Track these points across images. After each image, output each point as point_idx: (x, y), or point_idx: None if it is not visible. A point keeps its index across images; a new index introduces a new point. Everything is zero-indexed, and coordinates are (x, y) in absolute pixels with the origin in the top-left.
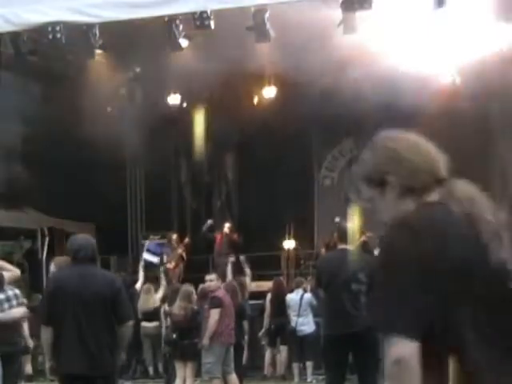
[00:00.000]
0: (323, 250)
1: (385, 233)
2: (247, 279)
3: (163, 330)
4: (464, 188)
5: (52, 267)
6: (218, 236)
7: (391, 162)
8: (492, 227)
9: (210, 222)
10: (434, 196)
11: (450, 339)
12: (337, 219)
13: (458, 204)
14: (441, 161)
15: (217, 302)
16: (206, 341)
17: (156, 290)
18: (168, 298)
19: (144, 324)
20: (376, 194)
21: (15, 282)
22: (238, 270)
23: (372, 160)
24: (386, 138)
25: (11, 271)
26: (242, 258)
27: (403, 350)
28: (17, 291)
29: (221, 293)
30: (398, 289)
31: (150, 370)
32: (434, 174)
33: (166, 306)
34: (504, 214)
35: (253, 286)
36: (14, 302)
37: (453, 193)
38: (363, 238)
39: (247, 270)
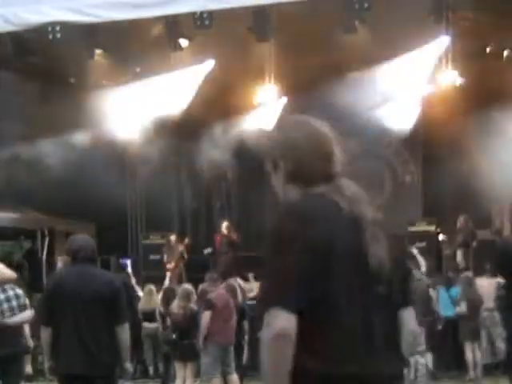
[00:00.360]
0: None
1: (274, 216)
2: (251, 294)
3: (160, 331)
4: (350, 186)
5: (59, 264)
6: (218, 236)
7: (285, 147)
8: (372, 226)
9: (210, 250)
10: (321, 189)
11: (324, 313)
12: None
13: (343, 199)
14: (336, 157)
15: (208, 304)
16: (200, 342)
17: (158, 291)
18: (162, 299)
19: (145, 324)
20: (272, 173)
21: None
22: (240, 270)
23: (272, 141)
24: (294, 123)
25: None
26: (250, 275)
27: (285, 323)
28: (18, 291)
29: (215, 294)
30: (283, 267)
31: (150, 369)
32: (325, 168)
33: (160, 307)
34: (381, 213)
35: (254, 286)
36: (14, 303)
37: (340, 189)
38: None
39: (254, 286)
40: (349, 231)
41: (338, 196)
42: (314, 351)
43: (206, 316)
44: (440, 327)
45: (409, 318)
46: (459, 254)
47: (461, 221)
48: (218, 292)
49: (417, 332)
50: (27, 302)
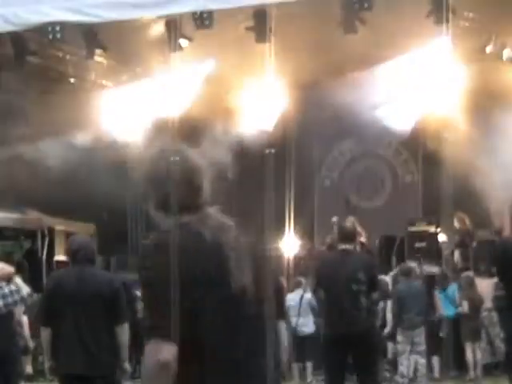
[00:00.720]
0: (323, 250)
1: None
2: None
3: None
4: (216, 216)
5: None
6: None
7: (154, 178)
8: (235, 252)
9: None
10: (188, 218)
11: (197, 340)
12: (334, 219)
13: (206, 228)
14: (204, 187)
15: None
16: None
17: None
18: None
19: None
20: (147, 201)
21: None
22: None
23: (144, 171)
24: (164, 153)
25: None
26: None
27: (167, 354)
28: (13, 287)
29: None
30: (156, 300)
31: None
32: (191, 198)
33: None
34: (245, 239)
35: None
36: (10, 300)
37: (205, 219)
38: (361, 239)
39: None
40: (209, 259)
41: (202, 225)
42: (191, 373)
43: None
44: (442, 328)
45: (281, 330)
46: (456, 254)
47: (458, 220)
48: None
49: (284, 343)
50: (25, 292)
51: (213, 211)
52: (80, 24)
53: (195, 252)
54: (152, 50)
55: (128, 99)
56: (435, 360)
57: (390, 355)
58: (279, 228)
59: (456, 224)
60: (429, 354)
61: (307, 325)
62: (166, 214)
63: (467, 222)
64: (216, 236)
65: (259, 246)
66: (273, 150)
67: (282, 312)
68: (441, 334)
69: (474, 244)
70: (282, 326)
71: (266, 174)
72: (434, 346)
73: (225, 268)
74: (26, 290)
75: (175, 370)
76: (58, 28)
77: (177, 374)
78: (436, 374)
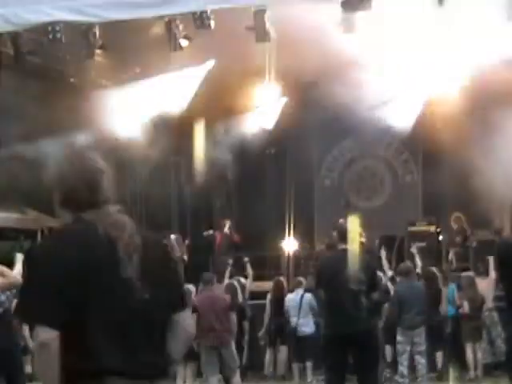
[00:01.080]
0: (323, 250)
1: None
2: (248, 280)
3: None
4: (113, 213)
5: None
6: (218, 236)
7: (58, 178)
8: (127, 248)
9: (211, 232)
10: (87, 215)
11: (79, 326)
12: (341, 221)
13: (103, 224)
14: (104, 187)
15: (192, 308)
16: (193, 344)
17: None
18: None
19: None
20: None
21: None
22: (241, 270)
23: (54, 174)
24: (68, 157)
25: (8, 277)
26: (246, 259)
27: (45, 336)
28: (8, 293)
29: (199, 297)
30: (41, 288)
31: None
32: (91, 197)
33: None
34: (142, 236)
35: (253, 286)
36: (7, 305)
37: (103, 216)
38: (361, 240)
39: (249, 271)
40: (100, 250)
41: (98, 221)
42: (80, 354)
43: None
44: (446, 327)
45: (184, 320)
46: (451, 253)
47: (454, 219)
48: (203, 295)
49: (192, 332)
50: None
51: (112, 210)
52: (80, 24)
53: (88, 243)
54: (152, 49)
55: (128, 99)
56: (438, 355)
57: (389, 359)
58: (279, 228)
59: (452, 223)
60: (432, 350)
61: (307, 325)
62: (68, 210)
63: (463, 221)
64: (109, 231)
65: (154, 243)
66: (273, 150)
67: (184, 303)
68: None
69: (474, 244)
70: (184, 317)
71: (266, 174)
72: (437, 342)
73: (114, 259)
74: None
75: (57, 351)
76: (57, 28)
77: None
78: (439, 366)
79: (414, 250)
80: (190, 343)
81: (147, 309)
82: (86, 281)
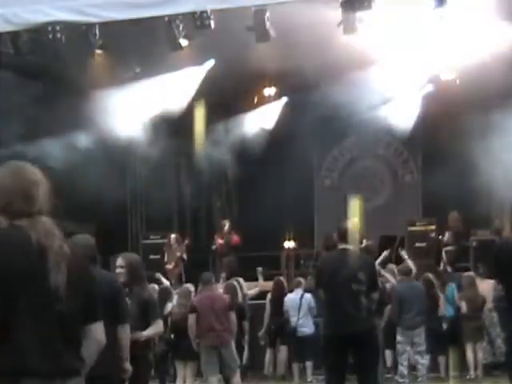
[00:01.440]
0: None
1: None
2: (256, 289)
3: None
4: (46, 222)
5: None
6: (219, 237)
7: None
8: (56, 257)
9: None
10: (21, 222)
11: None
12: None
13: (34, 232)
14: (38, 198)
15: (190, 308)
16: (193, 344)
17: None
18: (158, 300)
19: None
20: None
21: None
22: (252, 279)
23: None
24: (6, 168)
25: None
26: (259, 269)
27: None
28: None
29: (198, 297)
30: None
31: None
32: (25, 206)
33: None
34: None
35: (252, 285)
36: None
37: (36, 224)
38: (364, 242)
39: (261, 282)
40: (30, 257)
41: (31, 229)
42: (2, 354)
43: (190, 319)
44: (444, 328)
45: (96, 330)
46: (444, 253)
47: (450, 219)
48: (202, 295)
49: (102, 342)
50: None
51: (45, 220)
52: (80, 24)
53: (19, 250)
54: (152, 49)
55: (128, 99)
56: (441, 359)
57: (389, 364)
58: (279, 228)
59: (449, 223)
60: (435, 354)
61: (307, 325)
62: (5, 217)
63: (459, 220)
64: (40, 239)
65: (76, 255)
66: (273, 150)
67: (97, 316)
68: (444, 328)
69: (474, 244)
70: (96, 327)
71: (266, 174)
72: (439, 345)
73: (42, 266)
74: None
75: None
76: (57, 28)
77: None
78: (442, 373)
79: (403, 253)
80: (99, 351)
81: (65, 317)
82: (12, 284)
